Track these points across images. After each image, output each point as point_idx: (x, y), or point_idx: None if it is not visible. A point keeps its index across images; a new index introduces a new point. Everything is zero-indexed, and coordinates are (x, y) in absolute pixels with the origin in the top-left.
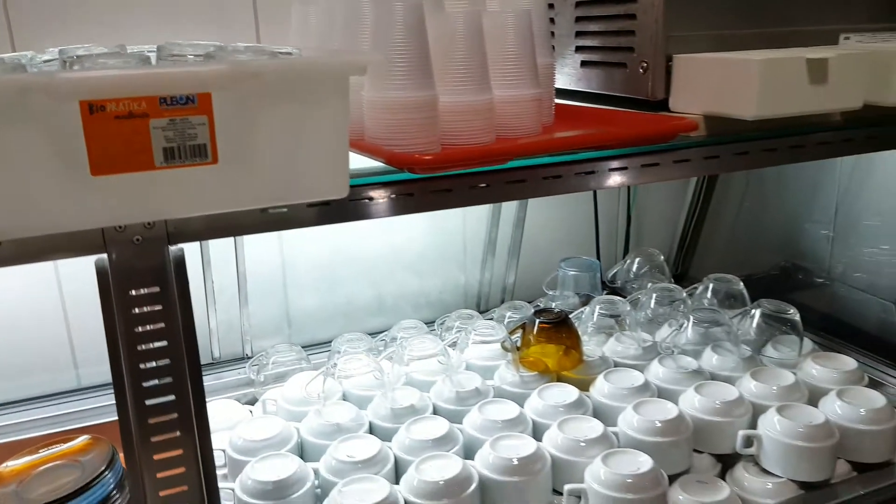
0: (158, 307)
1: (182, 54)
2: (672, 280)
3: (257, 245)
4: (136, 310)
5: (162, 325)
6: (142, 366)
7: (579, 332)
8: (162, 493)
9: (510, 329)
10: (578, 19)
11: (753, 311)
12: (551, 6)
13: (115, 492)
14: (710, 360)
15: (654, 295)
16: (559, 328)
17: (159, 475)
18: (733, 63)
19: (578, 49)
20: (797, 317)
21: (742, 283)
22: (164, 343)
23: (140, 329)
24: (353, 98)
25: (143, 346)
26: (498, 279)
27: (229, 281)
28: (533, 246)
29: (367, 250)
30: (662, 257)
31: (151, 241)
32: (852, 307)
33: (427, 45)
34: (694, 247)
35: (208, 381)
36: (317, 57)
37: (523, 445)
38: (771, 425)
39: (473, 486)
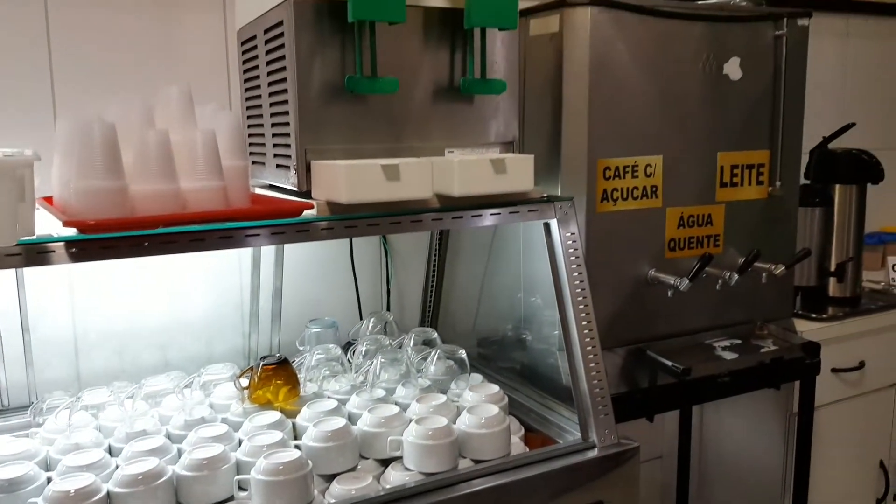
0: None
1: None
2: (398, 335)
3: (50, 312)
4: None
5: None
6: None
7: (297, 374)
8: None
9: (241, 373)
10: (273, 135)
11: (433, 352)
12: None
13: None
14: (401, 392)
15: (366, 343)
16: (279, 370)
17: None
18: (334, 167)
19: (275, 156)
20: (464, 355)
21: (436, 333)
22: None
23: None
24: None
25: None
26: (265, 340)
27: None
28: (305, 312)
29: (156, 318)
30: (392, 317)
31: None
32: (537, 355)
33: (117, 152)
34: (437, 310)
35: None
36: None
37: (212, 450)
38: (409, 432)
39: (165, 479)
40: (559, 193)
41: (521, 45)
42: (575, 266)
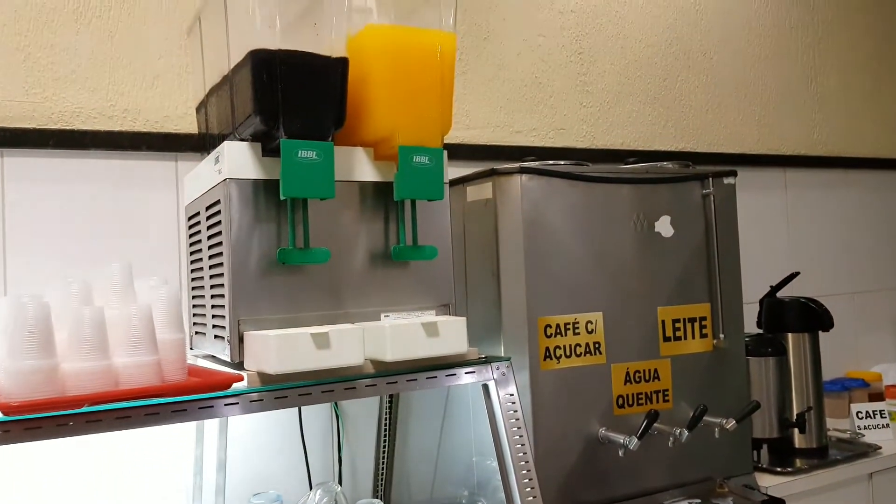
0: None
1: None
2: None
3: None
4: None
5: None
6: None
7: None
8: None
9: None
10: (212, 307)
11: None
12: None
13: None
14: None
15: None
16: None
17: None
18: (264, 338)
19: (213, 327)
20: None
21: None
22: None
23: None
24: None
25: None
26: None
27: None
28: (252, 484)
29: (95, 497)
30: (339, 488)
31: None
32: None
33: (48, 331)
34: (390, 476)
35: None
36: None
37: None
38: None
39: None
40: (502, 353)
41: (461, 210)
42: (515, 428)
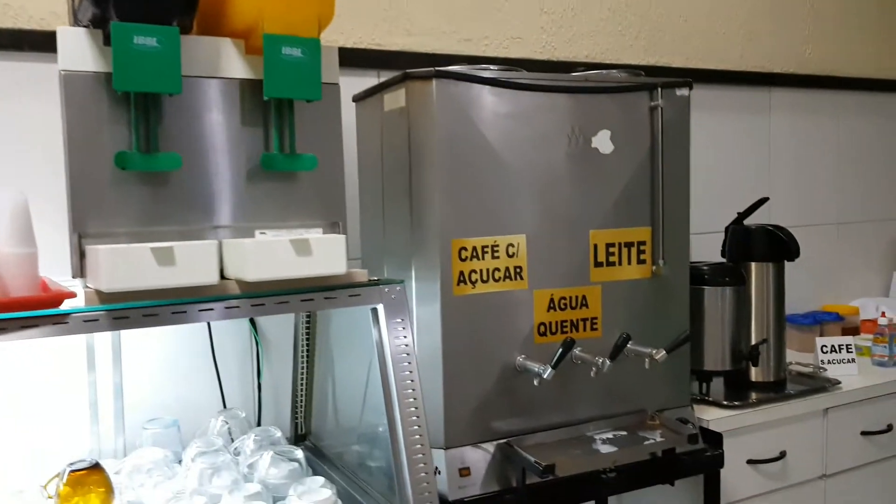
0: None
1: None
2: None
3: None
4: None
5: None
6: None
7: (111, 480)
8: None
9: (48, 481)
10: None
11: (265, 453)
12: None
13: None
14: (227, 500)
15: (196, 445)
16: (89, 475)
17: None
18: (95, 252)
19: None
20: (300, 455)
21: (280, 432)
22: None
23: None
24: None
25: None
26: (109, 446)
27: None
28: (164, 411)
29: None
30: (243, 414)
31: None
32: None
33: None
34: (309, 404)
35: None
36: None
37: None
38: None
39: None
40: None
41: (379, 121)
42: (404, 355)
